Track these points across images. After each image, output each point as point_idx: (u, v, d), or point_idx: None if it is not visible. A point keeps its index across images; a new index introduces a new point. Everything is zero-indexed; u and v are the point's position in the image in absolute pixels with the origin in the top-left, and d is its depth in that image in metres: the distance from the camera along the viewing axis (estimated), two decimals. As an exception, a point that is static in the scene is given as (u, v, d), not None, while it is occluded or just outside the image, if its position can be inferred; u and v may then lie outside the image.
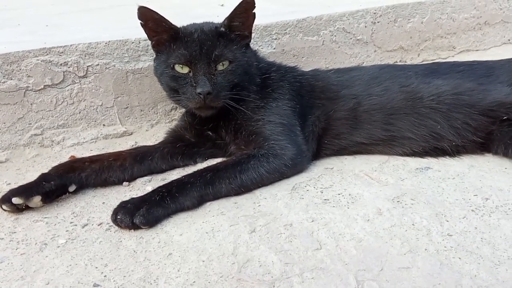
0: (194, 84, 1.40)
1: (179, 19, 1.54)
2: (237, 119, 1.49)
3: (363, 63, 2.25)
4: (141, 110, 1.82)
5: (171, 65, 1.45)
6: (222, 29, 1.47)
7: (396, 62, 2.35)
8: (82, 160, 1.47)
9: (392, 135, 1.51)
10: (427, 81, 1.54)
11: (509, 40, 2.64)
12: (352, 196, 1.31)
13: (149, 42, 1.68)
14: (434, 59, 2.43)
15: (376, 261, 1.04)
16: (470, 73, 1.58)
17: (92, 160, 1.46)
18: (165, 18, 1.44)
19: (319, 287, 0.97)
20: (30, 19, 2.47)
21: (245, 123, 1.49)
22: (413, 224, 1.17)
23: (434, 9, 2.36)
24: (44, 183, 1.34)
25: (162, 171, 1.52)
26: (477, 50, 2.55)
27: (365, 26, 2.19)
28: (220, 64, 1.44)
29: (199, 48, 1.42)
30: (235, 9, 1.44)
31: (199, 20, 1.59)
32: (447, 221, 1.17)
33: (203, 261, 1.07)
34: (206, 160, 1.58)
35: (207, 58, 1.42)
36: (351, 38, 2.17)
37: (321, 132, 1.54)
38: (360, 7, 2.18)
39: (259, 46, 1.95)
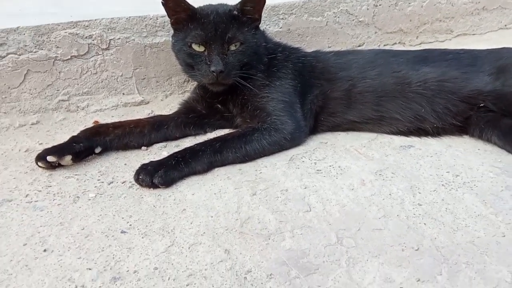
0: (209, 63, 1.55)
1: None
2: (244, 95, 1.64)
3: (364, 43, 2.38)
4: (157, 81, 1.98)
5: (188, 44, 1.58)
6: (235, 12, 1.59)
7: (395, 43, 2.48)
8: (107, 125, 1.63)
9: (381, 115, 1.67)
10: (416, 68, 1.68)
11: (505, 25, 2.75)
12: (341, 168, 1.50)
13: (166, 18, 1.83)
14: (432, 42, 2.56)
15: (355, 223, 1.24)
16: (456, 61, 1.70)
17: (115, 126, 1.62)
18: None
19: (306, 241, 1.18)
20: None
21: (251, 99, 1.63)
22: (390, 194, 1.36)
23: (435, -6, 2.48)
24: (74, 144, 1.51)
25: (176, 138, 1.69)
26: (473, 35, 2.66)
27: (367, 9, 2.32)
28: (233, 45, 1.57)
29: (214, 30, 1.55)
30: None
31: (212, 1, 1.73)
32: (419, 193, 1.36)
33: (212, 217, 1.27)
34: (215, 130, 1.74)
35: (221, 39, 1.56)
36: (353, 20, 2.30)
37: (319, 110, 1.70)
38: (364, -10, 2.30)
39: (267, 25, 2.09)
